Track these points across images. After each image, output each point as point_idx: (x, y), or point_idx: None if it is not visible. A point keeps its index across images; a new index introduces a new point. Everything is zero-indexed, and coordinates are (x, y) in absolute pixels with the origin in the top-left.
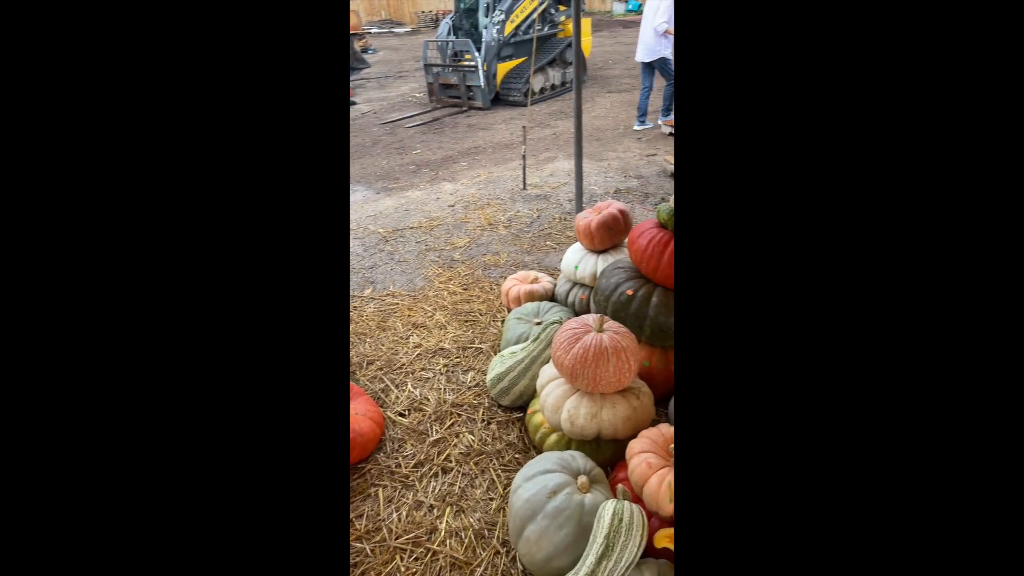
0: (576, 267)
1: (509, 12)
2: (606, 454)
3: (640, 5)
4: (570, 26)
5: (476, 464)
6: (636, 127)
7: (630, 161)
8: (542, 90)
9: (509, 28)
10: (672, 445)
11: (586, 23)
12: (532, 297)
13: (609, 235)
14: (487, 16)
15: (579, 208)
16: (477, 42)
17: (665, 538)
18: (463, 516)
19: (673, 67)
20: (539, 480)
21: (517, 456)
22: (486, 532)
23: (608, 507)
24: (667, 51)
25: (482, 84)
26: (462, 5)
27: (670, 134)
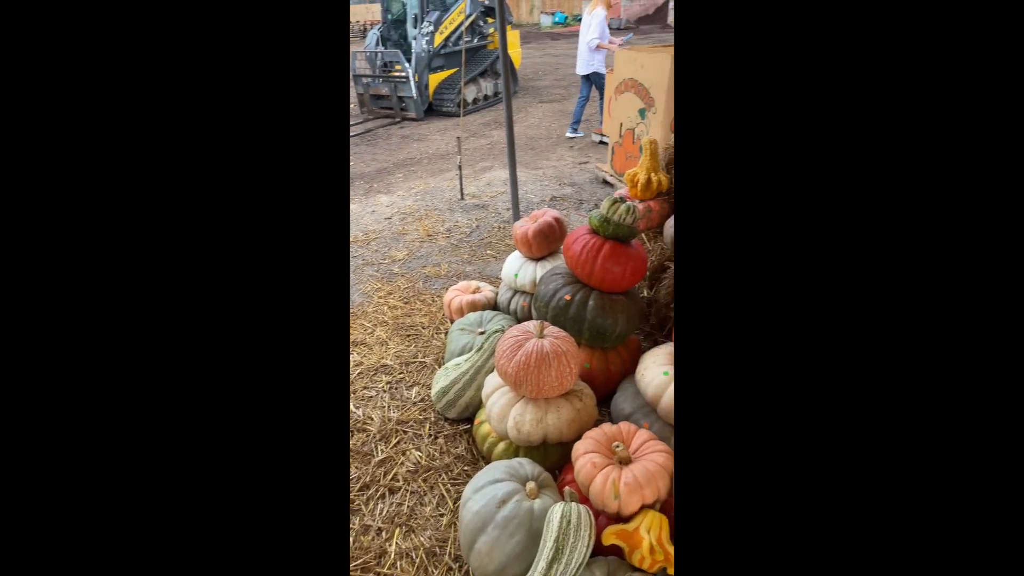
0: (516, 275)
1: (438, 23)
2: (553, 458)
3: (566, 18)
4: (498, 38)
5: (424, 481)
6: (568, 134)
7: (564, 169)
8: (475, 100)
9: (439, 39)
10: (616, 443)
11: (515, 35)
12: (474, 307)
13: (546, 242)
14: (416, 27)
15: (516, 217)
16: (407, 53)
17: (612, 535)
18: (413, 536)
19: (603, 80)
20: (488, 491)
21: (466, 469)
22: (437, 550)
23: (556, 510)
24: (599, 65)
25: (414, 95)
26: (389, 16)
27: (600, 142)
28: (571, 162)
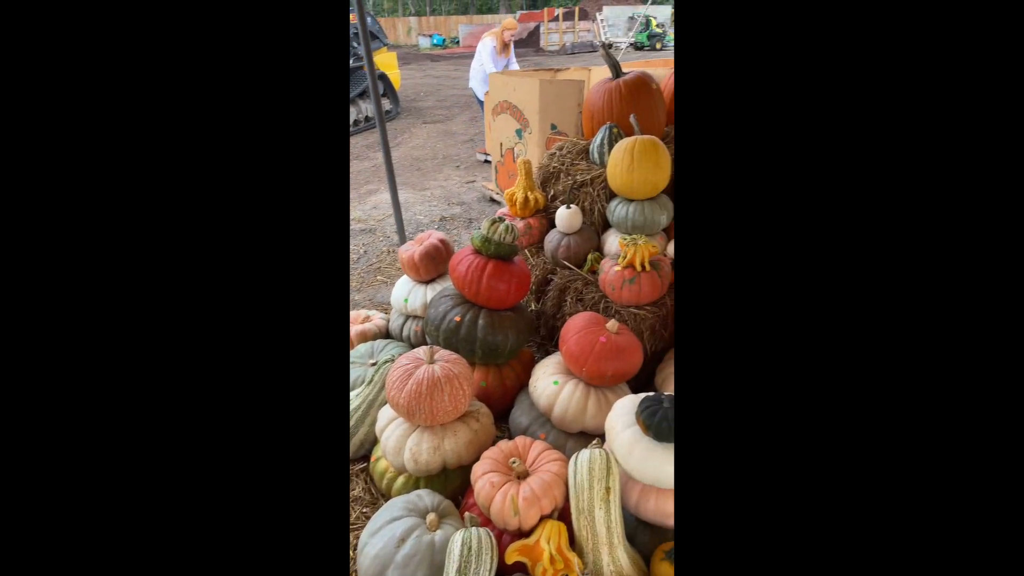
0: (406, 300)
1: None
2: (455, 483)
3: (444, 40)
4: (375, 60)
5: None
6: None
7: (452, 189)
8: (355, 122)
9: None
10: (512, 459)
11: (391, 57)
12: (364, 337)
13: (433, 265)
14: None
15: (402, 240)
16: None
17: (515, 552)
18: None
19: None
20: (386, 531)
21: (365, 511)
22: None
23: (456, 539)
24: (478, 88)
25: None
26: None
27: (485, 161)
28: (458, 181)
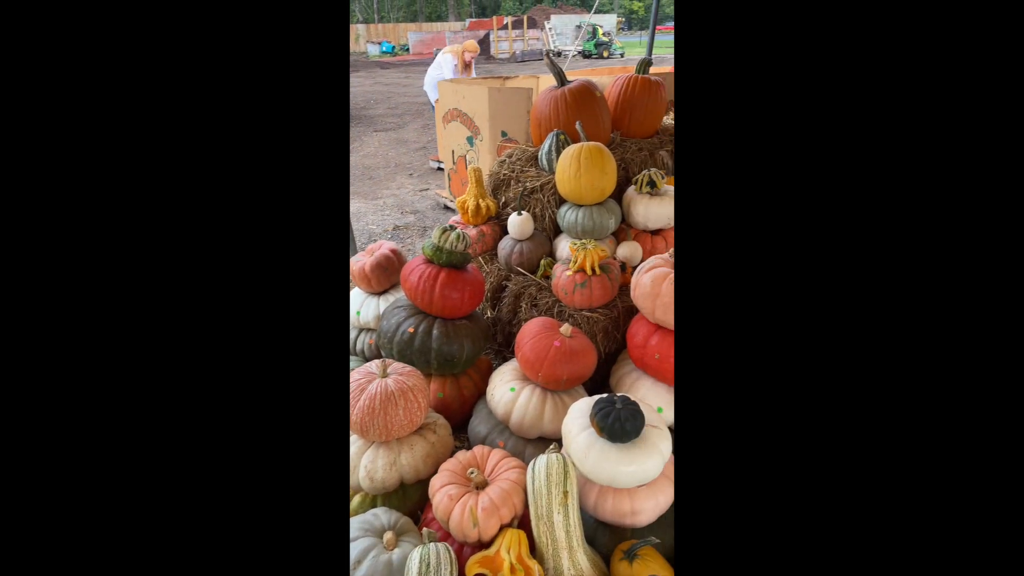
0: (358, 312)
1: None
2: (414, 499)
3: (394, 47)
4: None
5: None
6: None
7: (405, 197)
8: None
9: None
10: (470, 470)
11: None
12: None
13: (385, 275)
14: None
15: (353, 251)
16: None
17: (475, 564)
18: None
19: None
20: None
21: None
22: None
23: (414, 556)
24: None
25: None
26: None
27: (438, 168)
28: (411, 190)
